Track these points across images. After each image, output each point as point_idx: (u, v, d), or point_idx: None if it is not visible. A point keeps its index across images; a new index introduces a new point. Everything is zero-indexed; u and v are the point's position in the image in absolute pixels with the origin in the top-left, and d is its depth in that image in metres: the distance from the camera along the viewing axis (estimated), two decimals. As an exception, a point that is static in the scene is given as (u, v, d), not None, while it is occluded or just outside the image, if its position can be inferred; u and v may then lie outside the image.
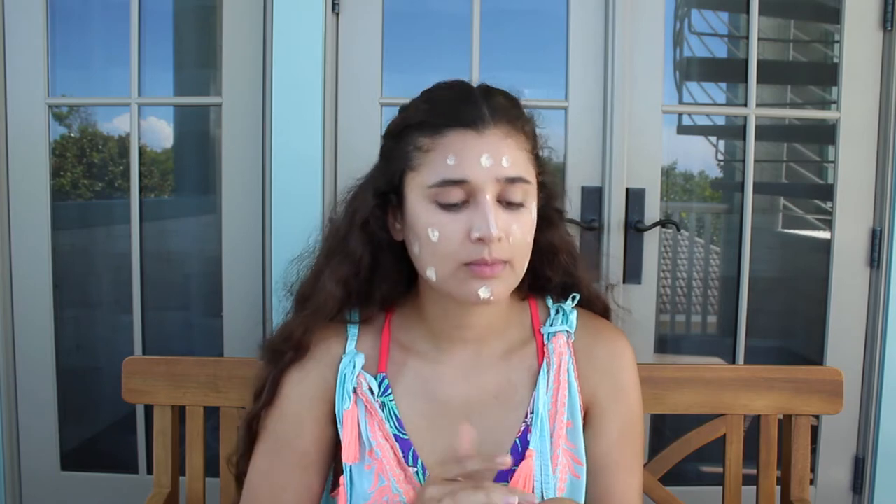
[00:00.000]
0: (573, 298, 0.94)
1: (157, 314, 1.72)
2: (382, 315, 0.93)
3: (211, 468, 1.20)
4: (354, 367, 0.89)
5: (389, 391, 0.88)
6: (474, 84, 0.86)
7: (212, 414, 1.20)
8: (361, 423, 0.88)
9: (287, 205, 1.51)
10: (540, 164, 0.86)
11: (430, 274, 0.81)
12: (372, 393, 0.88)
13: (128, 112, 1.64)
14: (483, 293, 0.79)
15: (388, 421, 0.88)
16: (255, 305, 1.59)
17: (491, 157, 0.77)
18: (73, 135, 1.84)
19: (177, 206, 1.94)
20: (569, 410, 0.88)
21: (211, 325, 1.67)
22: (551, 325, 0.92)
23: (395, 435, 0.87)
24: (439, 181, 0.78)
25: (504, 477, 0.85)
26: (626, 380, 0.92)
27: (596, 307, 0.98)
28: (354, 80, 1.57)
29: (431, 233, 0.79)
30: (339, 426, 0.88)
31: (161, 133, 1.84)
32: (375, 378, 0.89)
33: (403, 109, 0.87)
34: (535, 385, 0.89)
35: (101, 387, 1.81)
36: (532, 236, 0.83)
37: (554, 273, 0.93)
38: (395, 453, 0.87)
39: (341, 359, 0.90)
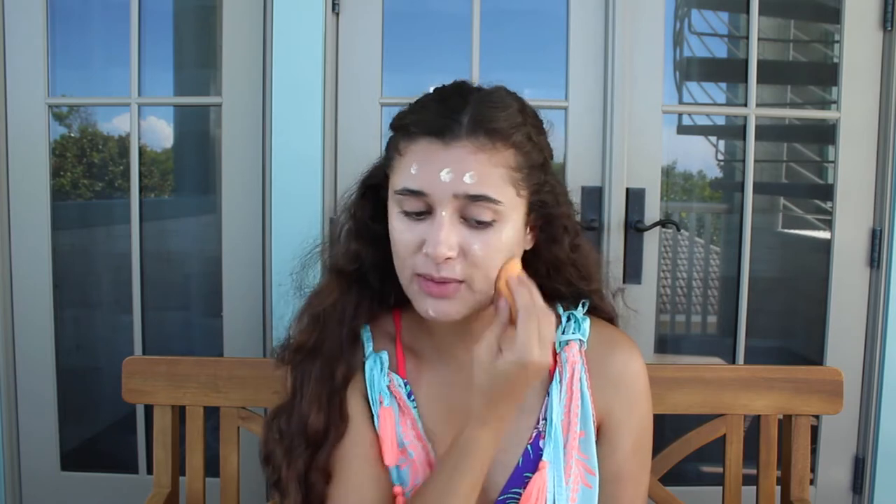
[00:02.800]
0: (583, 304, 0.93)
1: (157, 314, 1.72)
2: (391, 319, 0.93)
3: (211, 468, 1.20)
4: (382, 366, 0.88)
5: (412, 396, 0.88)
6: (481, 84, 0.84)
7: (212, 414, 1.20)
8: (396, 422, 0.87)
9: (287, 205, 1.51)
10: (536, 181, 0.81)
11: (400, 280, 0.82)
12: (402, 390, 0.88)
13: (128, 112, 1.64)
14: (432, 312, 0.79)
15: (419, 421, 0.87)
16: (255, 305, 1.59)
17: (452, 171, 0.75)
18: (73, 135, 1.84)
19: (177, 206, 1.94)
20: (581, 420, 0.87)
21: (211, 325, 1.67)
22: (563, 332, 0.91)
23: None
24: (401, 189, 0.78)
25: (518, 485, 0.85)
26: (640, 391, 0.91)
27: (603, 313, 0.97)
28: (354, 80, 1.57)
29: (394, 238, 0.79)
30: (376, 426, 0.87)
31: (161, 133, 1.84)
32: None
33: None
34: (545, 392, 0.88)
35: (101, 387, 1.81)
36: (502, 255, 0.78)
37: (562, 286, 0.92)
38: (426, 453, 0.86)
39: (364, 360, 0.89)
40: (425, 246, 0.76)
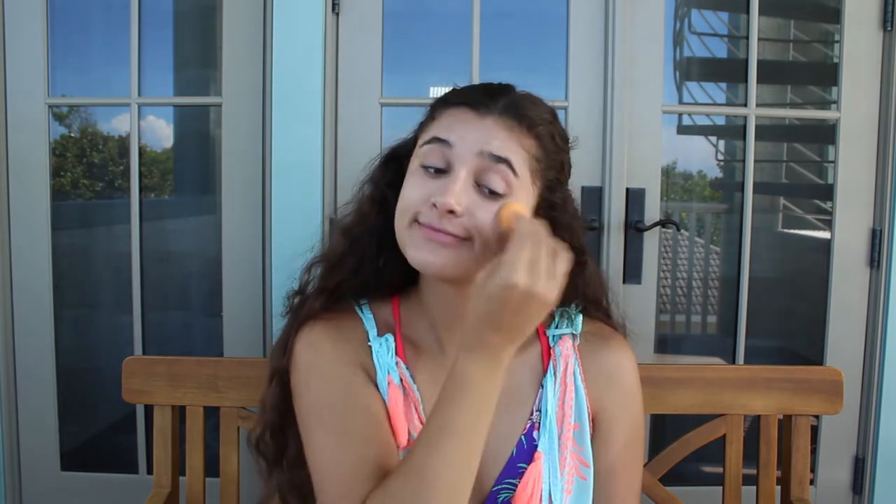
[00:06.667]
0: (576, 305, 0.94)
1: (157, 314, 1.72)
2: (389, 306, 0.93)
3: (211, 468, 1.20)
4: (389, 348, 0.88)
5: (412, 382, 0.88)
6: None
7: (212, 414, 1.20)
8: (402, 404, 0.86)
9: (287, 205, 1.51)
10: (551, 179, 0.85)
11: (397, 234, 0.83)
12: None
13: (128, 112, 1.64)
14: (424, 257, 0.79)
15: (421, 404, 0.87)
16: (255, 305, 1.59)
17: (481, 136, 0.79)
18: (73, 135, 1.84)
19: (177, 206, 1.94)
20: (576, 413, 0.89)
21: (211, 325, 1.67)
22: (556, 327, 0.93)
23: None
24: (429, 138, 0.82)
25: (512, 475, 0.86)
26: (632, 386, 0.93)
27: (598, 312, 0.97)
28: (354, 80, 1.57)
29: (404, 193, 0.82)
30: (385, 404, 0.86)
31: (161, 133, 1.84)
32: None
33: None
34: (539, 384, 0.89)
35: (101, 387, 1.81)
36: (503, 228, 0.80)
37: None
38: None
39: (368, 339, 0.89)
40: (433, 196, 0.77)
